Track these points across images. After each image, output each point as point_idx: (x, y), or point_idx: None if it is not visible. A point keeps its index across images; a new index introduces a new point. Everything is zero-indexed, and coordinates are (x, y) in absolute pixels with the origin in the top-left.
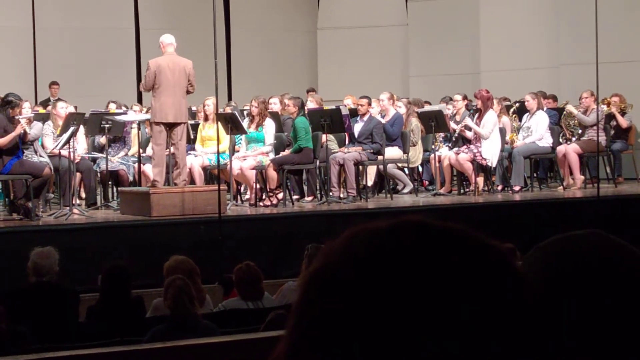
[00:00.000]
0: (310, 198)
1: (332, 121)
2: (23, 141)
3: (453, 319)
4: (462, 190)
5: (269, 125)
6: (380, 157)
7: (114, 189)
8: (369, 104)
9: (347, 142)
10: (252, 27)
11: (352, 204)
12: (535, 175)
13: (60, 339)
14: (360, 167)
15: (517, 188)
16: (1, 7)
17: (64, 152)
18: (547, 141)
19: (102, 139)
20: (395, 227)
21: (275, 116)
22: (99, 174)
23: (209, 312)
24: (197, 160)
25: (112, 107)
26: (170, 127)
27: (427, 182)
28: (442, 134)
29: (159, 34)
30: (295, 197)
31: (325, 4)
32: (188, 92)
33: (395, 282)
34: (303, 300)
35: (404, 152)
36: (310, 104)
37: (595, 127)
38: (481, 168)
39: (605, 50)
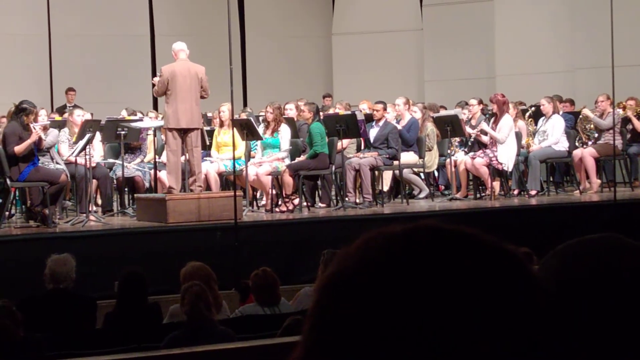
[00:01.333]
0: (323, 205)
1: (348, 126)
2: (39, 148)
3: (468, 324)
4: (478, 195)
5: (285, 131)
6: (396, 162)
7: (130, 195)
8: (385, 109)
9: (362, 147)
10: (267, 32)
11: (368, 209)
12: (551, 179)
13: (78, 346)
14: (376, 172)
15: (533, 192)
16: (17, 14)
17: (80, 159)
18: (563, 145)
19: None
20: (411, 232)
21: (290, 122)
22: (115, 181)
23: (226, 318)
24: (212, 166)
25: (125, 114)
26: (184, 133)
27: (443, 187)
28: (457, 139)
29: (175, 41)
30: (304, 204)
31: (340, 9)
32: (202, 97)
33: (411, 287)
34: (318, 305)
35: (420, 157)
36: (338, 110)
37: (611, 131)
38: (497, 172)
39: (621, 53)
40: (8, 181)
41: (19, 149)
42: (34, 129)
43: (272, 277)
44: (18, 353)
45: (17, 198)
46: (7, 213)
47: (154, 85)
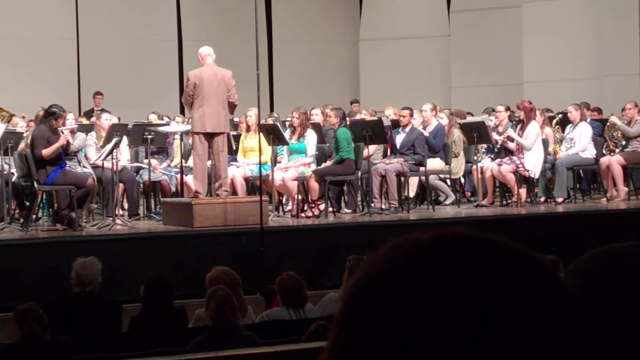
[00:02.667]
0: (349, 210)
1: (374, 132)
2: (66, 152)
3: (494, 332)
4: (504, 202)
5: (311, 136)
6: (422, 168)
7: (157, 199)
8: (411, 115)
9: (388, 153)
10: (294, 38)
11: (394, 215)
12: (578, 186)
13: (103, 349)
14: (402, 178)
15: (560, 199)
16: (46, 18)
17: (107, 163)
18: (590, 152)
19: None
20: (437, 238)
21: (317, 127)
22: (141, 185)
23: (251, 323)
24: (239, 171)
25: (153, 118)
26: (210, 137)
27: (469, 194)
28: (484, 145)
29: (202, 45)
30: (330, 209)
31: (368, 15)
32: (230, 103)
33: (437, 295)
34: (344, 311)
35: (446, 163)
36: (364, 116)
37: (639, 138)
38: (524, 179)
39: None
40: (35, 184)
41: (46, 152)
42: (62, 132)
43: (298, 279)
44: (45, 356)
45: (44, 201)
46: (34, 216)
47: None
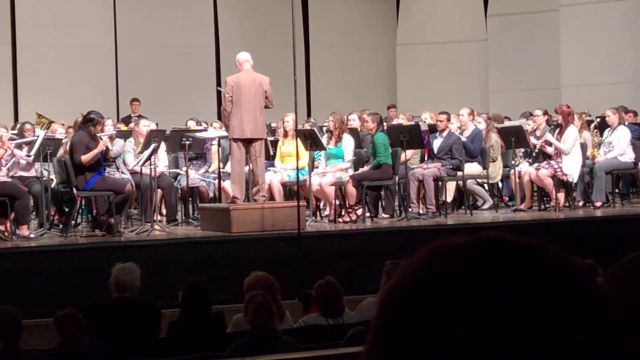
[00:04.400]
0: (387, 215)
1: (411, 137)
2: (105, 158)
3: (531, 336)
4: (542, 206)
5: (348, 141)
6: (459, 173)
7: (195, 205)
8: (448, 120)
9: (426, 158)
10: (331, 43)
11: (432, 220)
12: (617, 191)
13: (142, 355)
14: (440, 183)
15: (598, 204)
16: (85, 25)
17: (145, 169)
18: (629, 156)
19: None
20: (474, 242)
21: (354, 132)
22: (179, 191)
23: (289, 328)
24: (276, 176)
25: (192, 124)
26: (248, 143)
27: (507, 198)
28: (522, 150)
29: (239, 51)
30: (367, 214)
31: (405, 20)
32: (267, 107)
33: (474, 299)
34: (382, 316)
35: (484, 168)
36: (401, 121)
37: None
38: (562, 184)
39: None
40: (74, 190)
41: (85, 158)
42: (101, 139)
43: (336, 287)
44: None
45: (83, 207)
46: (73, 222)
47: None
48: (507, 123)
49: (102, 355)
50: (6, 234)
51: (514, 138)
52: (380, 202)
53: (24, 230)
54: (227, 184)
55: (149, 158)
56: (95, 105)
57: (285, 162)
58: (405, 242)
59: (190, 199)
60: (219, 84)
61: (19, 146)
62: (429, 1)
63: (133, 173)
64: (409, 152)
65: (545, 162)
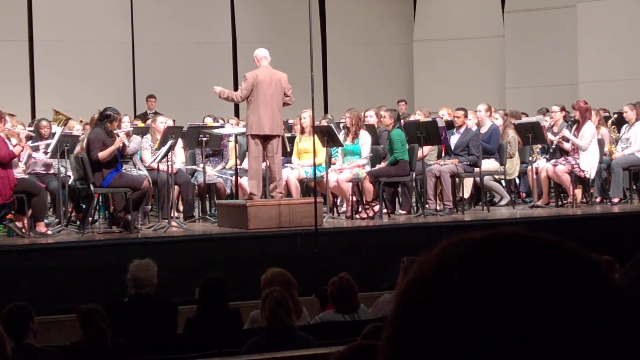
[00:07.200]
0: (404, 212)
1: (428, 133)
2: (122, 155)
3: (547, 333)
4: (559, 202)
5: (365, 138)
6: (476, 169)
7: (212, 201)
8: (465, 116)
9: (443, 154)
10: (348, 39)
11: (449, 217)
12: (634, 187)
13: (159, 351)
14: (457, 179)
15: (616, 200)
16: (102, 22)
17: (162, 166)
18: None
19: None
20: (491, 238)
21: (371, 128)
22: (196, 187)
23: (306, 324)
24: (293, 172)
25: (209, 121)
26: (265, 139)
27: (524, 194)
28: (539, 146)
29: (256, 48)
30: (384, 210)
31: (422, 16)
32: (286, 104)
33: (491, 294)
34: (398, 312)
35: (501, 164)
36: (418, 117)
37: None
38: (579, 180)
39: None
40: (92, 187)
41: (102, 155)
42: (118, 135)
43: (350, 283)
44: (106, 356)
45: (100, 204)
46: (90, 219)
47: (219, 96)
48: (524, 119)
49: (123, 352)
50: (23, 230)
51: (531, 134)
52: (397, 199)
53: (41, 227)
54: (244, 181)
55: (166, 155)
56: (112, 102)
57: (302, 159)
58: (423, 239)
59: (207, 195)
60: (235, 80)
61: (36, 148)
62: None
63: (150, 170)
64: (426, 149)
65: (563, 158)
